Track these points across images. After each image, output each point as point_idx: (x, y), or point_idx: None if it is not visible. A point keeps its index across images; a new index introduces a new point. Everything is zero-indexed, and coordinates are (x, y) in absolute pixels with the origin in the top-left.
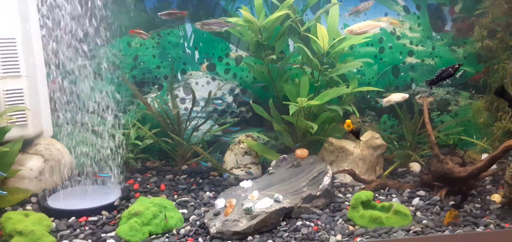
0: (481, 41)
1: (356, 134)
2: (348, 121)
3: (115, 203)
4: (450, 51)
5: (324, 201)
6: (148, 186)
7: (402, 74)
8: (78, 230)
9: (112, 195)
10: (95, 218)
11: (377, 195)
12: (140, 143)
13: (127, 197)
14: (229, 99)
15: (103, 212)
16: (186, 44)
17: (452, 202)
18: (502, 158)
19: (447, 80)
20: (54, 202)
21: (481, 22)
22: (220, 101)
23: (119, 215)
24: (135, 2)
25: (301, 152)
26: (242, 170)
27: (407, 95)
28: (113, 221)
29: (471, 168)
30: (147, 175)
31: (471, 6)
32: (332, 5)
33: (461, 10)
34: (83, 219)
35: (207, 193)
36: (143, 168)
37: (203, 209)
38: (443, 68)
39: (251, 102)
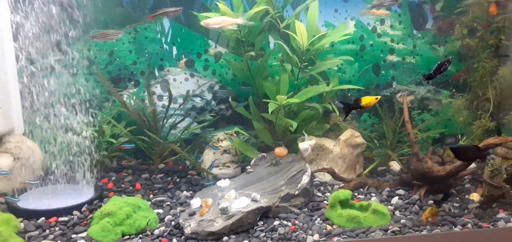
0: (462, 40)
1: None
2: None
3: (83, 209)
4: (431, 49)
5: (302, 200)
6: (123, 185)
7: (383, 72)
8: (47, 231)
9: (84, 194)
10: (66, 218)
11: (356, 194)
12: (114, 141)
13: (100, 197)
14: (208, 96)
15: (75, 212)
16: (163, 40)
17: (433, 199)
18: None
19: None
20: (24, 202)
21: (462, 20)
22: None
23: (91, 215)
24: None
25: (280, 150)
26: (221, 169)
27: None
28: (85, 222)
29: (450, 167)
30: (122, 174)
31: (452, 4)
32: (312, 1)
33: (442, 8)
34: (53, 219)
35: (184, 192)
36: (119, 167)
37: (179, 209)
38: (439, 62)
39: (230, 99)
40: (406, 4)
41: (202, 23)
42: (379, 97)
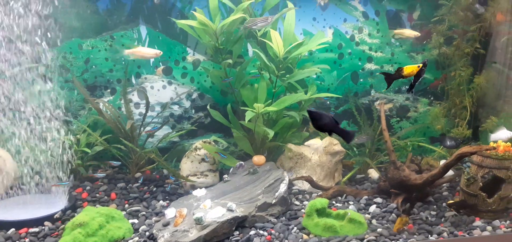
0: (439, 48)
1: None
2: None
3: (56, 216)
4: (409, 57)
5: (280, 209)
6: (98, 195)
7: (361, 80)
8: None
9: (57, 204)
10: (36, 229)
11: (334, 202)
12: (89, 150)
13: (73, 207)
14: (187, 104)
15: (46, 223)
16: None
17: (403, 208)
18: (457, 165)
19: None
20: None
21: (438, 29)
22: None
23: (63, 226)
24: (87, 3)
25: (258, 159)
26: (198, 178)
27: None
28: (56, 233)
29: (426, 176)
30: (97, 183)
31: (429, 13)
32: (288, 10)
33: (419, 17)
34: (23, 230)
35: (160, 202)
36: (95, 176)
37: (154, 218)
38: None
39: (208, 107)
40: (384, 12)
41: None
42: (420, 65)
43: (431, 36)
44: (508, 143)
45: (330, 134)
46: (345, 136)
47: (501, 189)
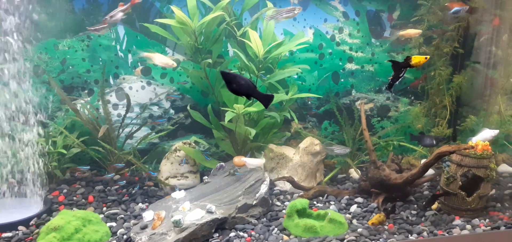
0: (418, 48)
1: None
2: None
3: (31, 223)
4: (389, 57)
5: (261, 210)
6: (75, 197)
7: (342, 80)
8: None
9: (32, 208)
10: (10, 234)
11: (315, 202)
12: (65, 152)
13: (49, 210)
14: (166, 104)
15: (20, 227)
16: (118, 47)
17: (384, 207)
18: (437, 164)
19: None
20: None
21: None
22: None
23: (37, 230)
24: (63, 2)
25: (239, 159)
26: (179, 180)
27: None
28: (30, 237)
29: (406, 175)
30: (75, 186)
31: (409, 13)
32: (267, 9)
33: (399, 17)
34: None
35: (140, 204)
36: (72, 179)
37: (132, 222)
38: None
39: (188, 107)
40: (364, 12)
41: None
42: (428, 56)
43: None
44: (487, 142)
45: (248, 98)
46: (263, 100)
47: (480, 188)
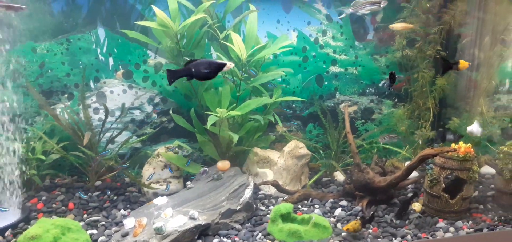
0: (402, 51)
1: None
2: None
3: (7, 234)
4: (373, 60)
5: (245, 215)
6: (54, 205)
7: (326, 83)
8: None
9: (9, 217)
10: None
11: (300, 206)
12: (44, 158)
13: (27, 219)
14: (149, 108)
15: None
16: (99, 50)
17: (362, 216)
18: (421, 167)
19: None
20: None
21: (401, 31)
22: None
23: (14, 240)
24: (41, 4)
25: (223, 164)
26: (161, 185)
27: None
28: None
29: (390, 178)
30: (55, 193)
31: (392, 15)
32: (250, 12)
33: (382, 19)
34: None
35: (121, 211)
36: (52, 185)
37: (113, 229)
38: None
39: (171, 112)
40: (347, 15)
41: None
42: (469, 63)
43: (394, 38)
44: (469, 144)
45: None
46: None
47: (463, 190)
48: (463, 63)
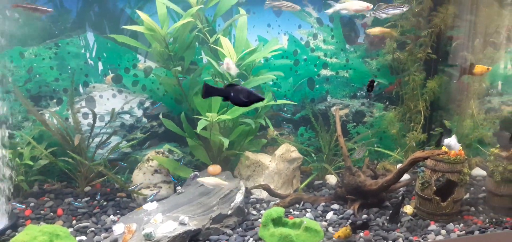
0: (392, 53)
1: None
2: None
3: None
4: (364, 63)
5: (236, 219)
6: (43, 211)
7: (317, 86)
8: None
9: None
10: None
11: (291, 210)
12: (32, 163)
13: (14, 226)
14: (139, 113)
15: None
16: (88, 55)
17: (352, 221)
18: (413, 170)
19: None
20: None
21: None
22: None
23: None
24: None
25: (214, 168)
26: (152, 190)
27: None
28: None
29: (381, 181)
30: (43, 199)
31: (382, 19)
32: (240, 16)
33: (373, 22)
34: None
35: (111, 216)
36: (40, 191)
37: (103, 235)
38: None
39: (160, 116)
40: (338, 18)
41: None
42: (490, 67)
43: (384, 41)
44: (460, 146)
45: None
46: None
47: (454, 192)
48: (479, 68)
